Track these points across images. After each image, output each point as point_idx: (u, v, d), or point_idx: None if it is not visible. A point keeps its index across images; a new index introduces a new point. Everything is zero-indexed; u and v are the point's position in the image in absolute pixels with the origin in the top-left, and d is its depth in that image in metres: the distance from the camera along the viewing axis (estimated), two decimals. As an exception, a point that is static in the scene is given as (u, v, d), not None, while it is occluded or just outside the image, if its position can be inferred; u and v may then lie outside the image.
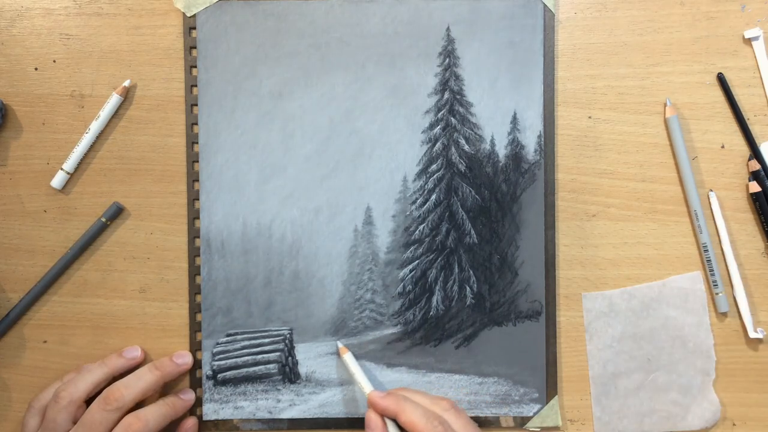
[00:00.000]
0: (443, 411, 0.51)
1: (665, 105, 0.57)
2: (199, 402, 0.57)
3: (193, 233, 0.57)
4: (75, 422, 0.52)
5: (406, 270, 0.57)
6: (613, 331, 0.57)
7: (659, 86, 0.57)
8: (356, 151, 0.57)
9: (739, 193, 0.57)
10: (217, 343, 0.57)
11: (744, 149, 0.57)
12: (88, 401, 0.53)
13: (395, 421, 0.51)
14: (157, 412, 0.53)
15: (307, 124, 0.57)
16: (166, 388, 0.57)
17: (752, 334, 0.56)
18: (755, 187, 0.56)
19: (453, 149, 0.57)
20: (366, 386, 0.54)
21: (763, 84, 0.57)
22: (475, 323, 0.57)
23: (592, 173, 0.57)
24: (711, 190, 0.57)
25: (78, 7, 0.57)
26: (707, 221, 0.57)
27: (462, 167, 0.57)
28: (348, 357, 0.56)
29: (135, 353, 0.56)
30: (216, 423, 0.57)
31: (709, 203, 0.57)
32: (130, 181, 0.57)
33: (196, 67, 0.57)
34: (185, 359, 0.56)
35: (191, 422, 0.56)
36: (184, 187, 0.57)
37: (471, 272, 0.57)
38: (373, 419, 0.52)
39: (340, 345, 0.56)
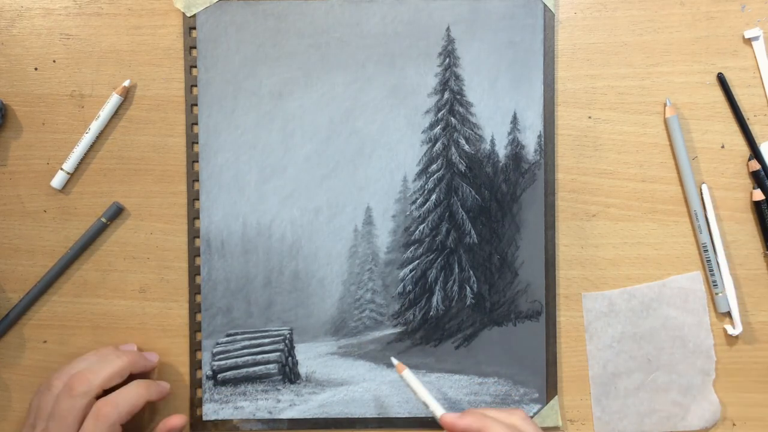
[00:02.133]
0: (521, 420, 0.50)
1: (665, 105, 0.57)
2: (199, 402, 0.57)
3: (193, 233, 0.57)
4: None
5: (406, 270, 0.57)
6: (613, 331, 0.57)
7: (659, 86, 0.57)
8: (356, 151, 0.57)
9: (740, 193, 0.57)
10: (217, 343, 0.57)
11: (744, 149, 0.57)
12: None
13: None
14: (127, 394, 0.51)
15: (307, 124, 0.57)
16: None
17: (730, 331, 0.56)
18: (759, 195, 0.56)
19: (453, 149, 0.57)
20: (436, 407, 0.52)
21: (763, 84, 0.57)
22: (475, 323, 0.57)
23: (592, 173, 0.57)
24: (703, 183, 0.57)
25: (78, 7, 0.57)
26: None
27: (462, 167, 0.57)
28: (407, 374, 0.53)
29: (131, 349, 0.56)
30: (216, 423, 0.57)
31: (701, 196, 0.56)
32: (130, 181, 0.57)
33: (196, 67, 0.57)
34: (153, 357, 0.56)
35: (177, 419, 0.54)
36: (184, 187, 0.57)
37: (471, 272, 0.57)
38: None
39: (395, 361, 0.54)
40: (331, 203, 0.57)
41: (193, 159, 0.57)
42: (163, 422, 0.53)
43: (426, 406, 0.52)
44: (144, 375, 0.55)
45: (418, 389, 0.53)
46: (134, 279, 0.57)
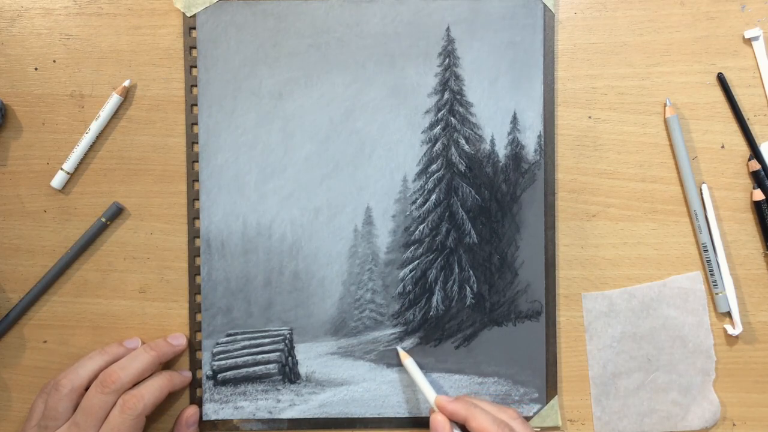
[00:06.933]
0: (510, 420, 0.51)
1: (665, 105, 0.57)
2: (199, 402, 0.57)
3: (193, 233, 0.57)
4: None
5: (406, 270, 0.57)
6: (613, 331, 0.57)
7: (659, 86, 0.57)
8: (356, 151, 0.57)
9: (740, 193, 0.57)
10: (217, 343, 0.57)
11: (744, 149, 0.57)
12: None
13: (458, 425, 0.52)
14: (152, 386, 0.52)
15: (307, 124, 0.57)
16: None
17: (730, 331, 0.56)
18: (759, 195, 0.56)
19: (453, 149, 0.57)
20: (430, 391, 0.54)
21: (763, 84, 0.57)
22: (475, 323, 0.57)
23: (592, 173, 0.57)
24: (703, 183, 0.57)
25: (78, 7, 0.57)
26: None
27: (462, 167, 0.57)
28: (409, 363, 0.56)
29: (135, 344, 0.56)
30: (216, 423, 0.57)
31: (701, 196, 0.56)
32: (130, 181, 0.57)
33: (196, 67, 0.57)
34: (180, 340, 0.56)
35: (191, 410, 0.56)
36: (184, 187, 0.57)
37: (471, 272, 0.57)
38: (440, 421, 0.52)
39: (400, 350, 0.56)
40: (331, 203, 0.57)
41: (193, 159, 0.57)
42: (179, 417, 0.56)
43: (425, 393, 0.55)
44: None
45: (416, 376, 0.55)
46: (134, 279, 0.57)
